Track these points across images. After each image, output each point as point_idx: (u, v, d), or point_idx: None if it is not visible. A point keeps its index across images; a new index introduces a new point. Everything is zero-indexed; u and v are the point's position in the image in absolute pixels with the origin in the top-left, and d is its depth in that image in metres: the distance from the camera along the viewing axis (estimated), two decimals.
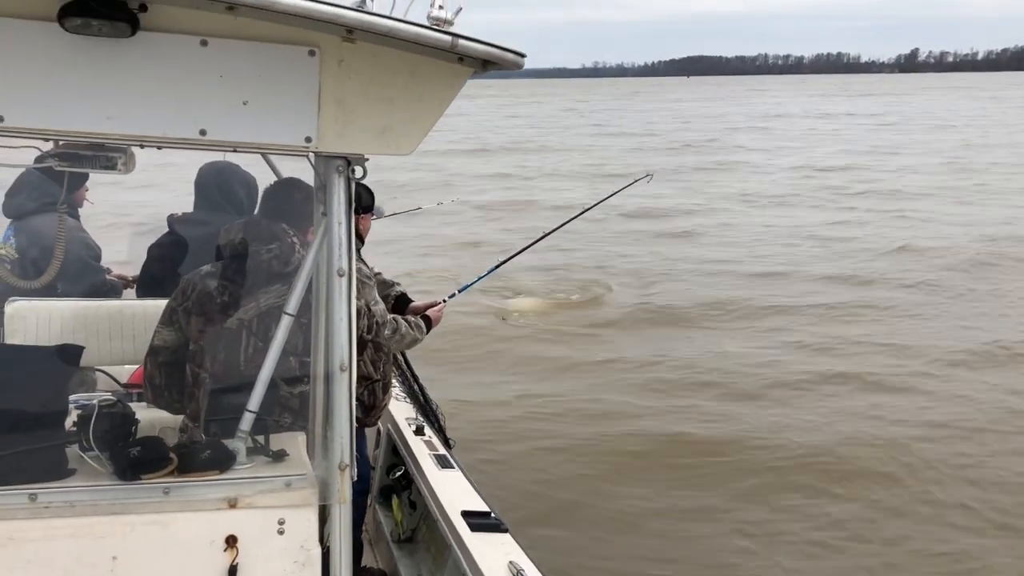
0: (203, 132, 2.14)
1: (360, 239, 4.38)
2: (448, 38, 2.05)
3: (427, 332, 4.53)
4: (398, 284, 5.03)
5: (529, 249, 6.20)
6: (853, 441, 7.62)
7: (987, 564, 5.84)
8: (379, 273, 5.00)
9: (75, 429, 2.36)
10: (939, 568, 5.82)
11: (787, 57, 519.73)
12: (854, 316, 11.59)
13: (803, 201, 22.07)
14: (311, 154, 2.30)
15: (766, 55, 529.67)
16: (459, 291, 5.60)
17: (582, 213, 6.70)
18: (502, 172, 28.71)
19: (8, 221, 4.94)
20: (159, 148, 2.22)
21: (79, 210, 5.15)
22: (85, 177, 5.03)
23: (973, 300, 12.43)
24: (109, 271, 5.19)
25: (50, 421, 2.30)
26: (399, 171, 22.19)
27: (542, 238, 6.26)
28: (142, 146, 2.22)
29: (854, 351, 10.13)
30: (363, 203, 4.32)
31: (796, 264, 14.77)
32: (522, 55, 2.13)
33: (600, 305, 12.35)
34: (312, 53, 2.15)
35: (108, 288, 4.98)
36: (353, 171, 2.33)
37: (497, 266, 5.93)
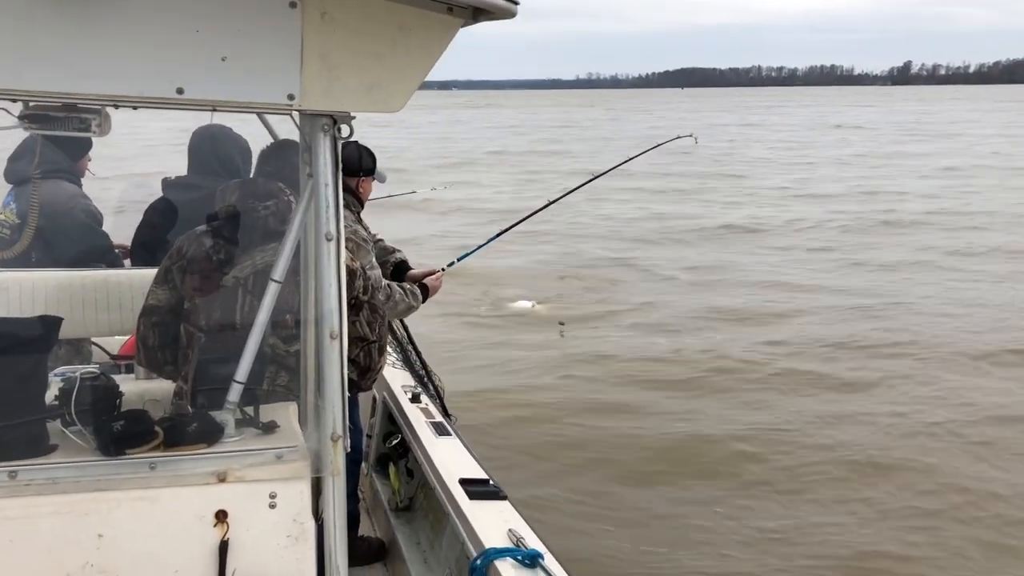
0: (180, 91, 2.04)
1: (360, 202, 4.29)
2: None
3: (424, 300, 4.46)
4: (399, 251, 4.94)
5: (531, 219, 6.09)
6: None
7: None
8: (380, 239, 4.92)
9: (56, 403, 2.28)
10: None
11: (780, 69, 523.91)
12: None
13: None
14: (295, 112, 2.19)
15: (759, 67, 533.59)
16: (458, 260, 5.51)
17: (600, 176, 6.56)
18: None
19: (9, 187, 4.86)
20: (135, 108, 2.11)
21: (81, 179, 5.06)
22: (88, 145, 4.96)
23: None
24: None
25: (29, 395, 2.21)
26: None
27: (545, 207, 6.13)
28: (116, 106, 2.11)
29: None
30: (364, 166, 4.23)
31: None
32: (516, 1, 2.02)
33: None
34: (293, 5, 2.04)
35: (112, 256, 4.91)
36: (339, 130, 2.22)
37: (497, 235, 5.83)
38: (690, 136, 7.29)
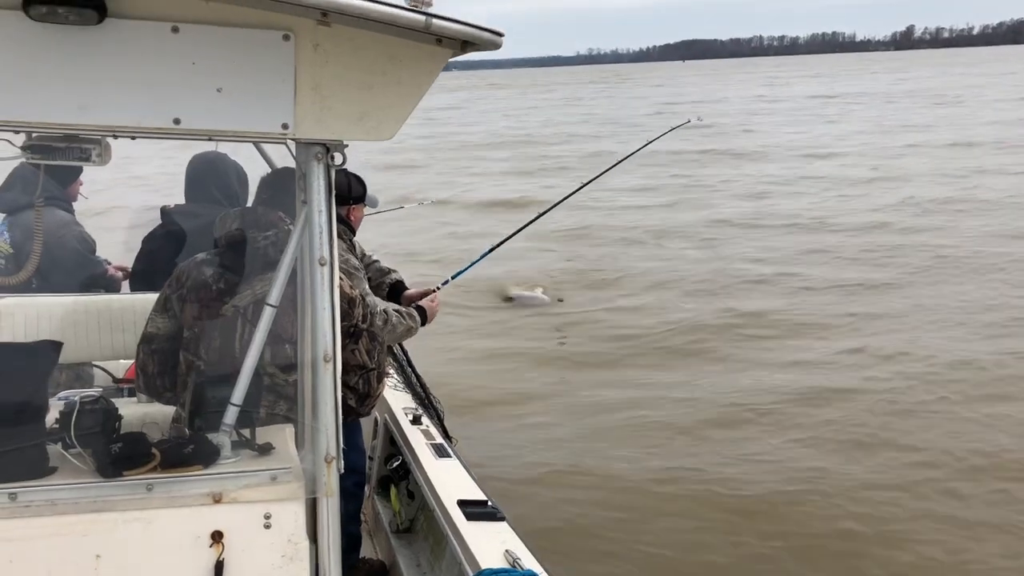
0: (177, 121, 2.10)
1: (351, 229, 4.34)
2: (422, 18, 2.00)
3: (422, 323, 4.49)
4: (395, 271, 4.99)
5: (529, 226, 6.09)
6: None
7: None
8: (376, 260, 4.96)
9: (56, 426, 2.32)
10: None
11: (782, 38, 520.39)
12: None
13: None
14: (289, 141, 2.25)
15: (761, 36, 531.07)
16: (452, 277, 5.53)
17: (607, 170, 6.60)
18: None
19: (2, 217, 4.92)
20: (133, 138, 2.18)
21: (73, 204, 5.13)
22: (79, 171, 5.02)
23: None
24: (108, 263, 5.16)
25: (30, 418, 2.25)
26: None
27: (544, 214, 6.13)
28: (116, 136, 2.17)
29: None
30: (354, 193, 4.28)
31: None
32: (500, 34, 2.08)
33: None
34: (287, 37, 2.10)
35: (107, 281, 4.96)
36: (332, 158, 2.28)
37: (490, 250, 5.85)
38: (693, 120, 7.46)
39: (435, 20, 2.01)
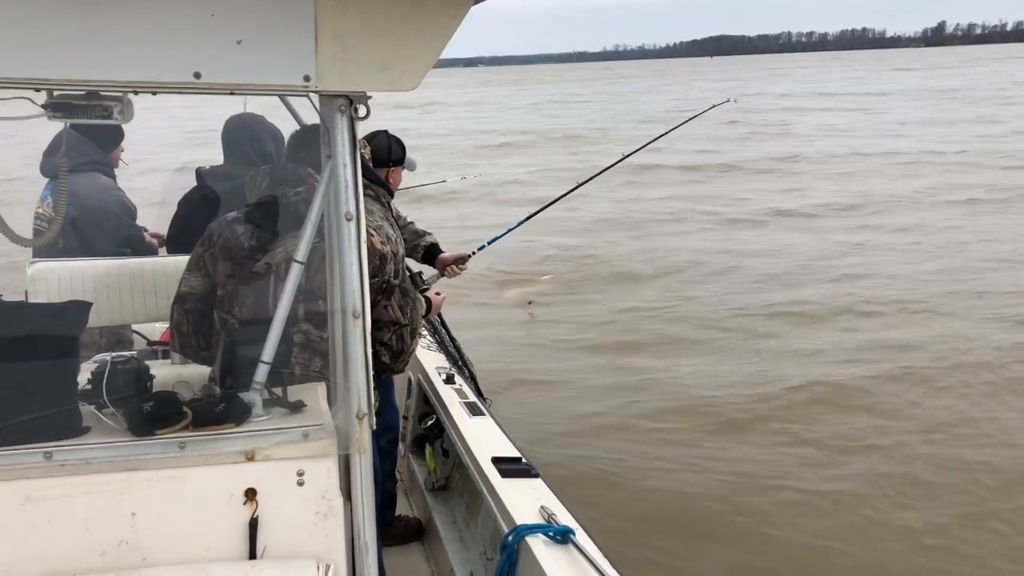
0: (197, 75, 2.06)
1: (390, 192, 4.30)
2: None
3: (426, 314, 4.44)
4: (430, 234, 4.96)
5: (567, 197, 6.07)
6: None
7: None
8: (411, 222, 4.94)
9: (89, 387, 2.33)
10: None
11: (811, 34, 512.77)
12: None
13: None
14: (311, 94, 2.20)
15: (789, 33, 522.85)
16: (488, 243, 5.51)
17: (636, 152, 6.53)
18: None
19: (46, 181, 4.95)
20: (154, 94, 2.14)
21: (114, 170, 5.14)
22: (121, 136, 5.03)
23: None
24: (146, 230, 5.18)
25: (62, 378, 2.26)
26: None
27: (576, 188, 6.11)
28: (136, 92, 2.14)
29: None
30: (394, 156, 4.23)
31: None
32: None
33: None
34: None
35: (143, 248, 4.98)
36: (356, 110, 2.23)
37: (527, 218, 5.81)
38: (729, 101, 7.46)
39: None
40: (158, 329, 4.61)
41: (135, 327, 4.54)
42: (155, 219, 5.34)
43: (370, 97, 2.25)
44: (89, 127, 4.74)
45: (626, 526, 5.63)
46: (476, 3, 2.14)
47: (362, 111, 2.24)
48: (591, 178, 6.17)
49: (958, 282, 11.34)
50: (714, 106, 7.32)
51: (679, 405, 7.57)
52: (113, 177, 5.08)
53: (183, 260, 3.66)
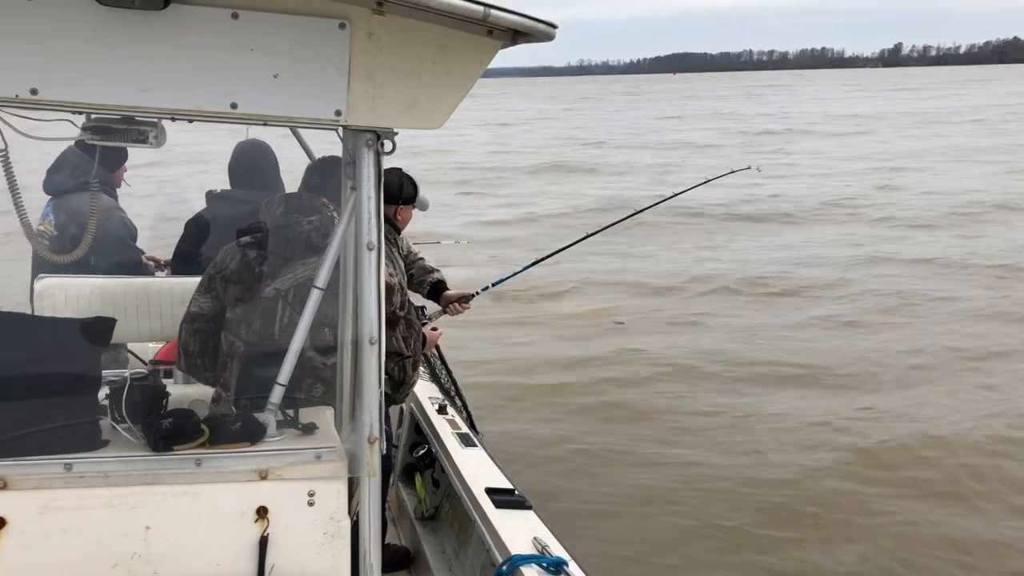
0: (234, 105, 2.15)
1: (396, 229, 4.37)
2: (480, 8, 2.04)
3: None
4: (437, 271, 5.04)
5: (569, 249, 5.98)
6: None
7: None
8: (421, 258, 5.02)
9: (107, 402, 2.39)
10: None
11: (771, 53, 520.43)
12: None
13: None
14: (340, 128, 2.30)
15: (751, 51, 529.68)
16: (492, 284, 5.55)
17: (644, 210, 6.58)
18: None
19: (48, 198, 5.00)
20: (191, 121, 2.23)
21: (116, 190, 5.20)
22: (124, 157, 5.10)
23: None
24: (142, 252, 5.23)
25: (84, 393, 2.32)
26: None
27: (584, 239, 6.05)
28: (173, 119, 2.22)
29: None
30: (405, 194, 4.31)
31: None
32: (554, 26, 2.12)
33: None
34: (343, 26, 2.15)
35: (142, 270, 5.03)
36: (382, 145, 2.33)
37: (532, 264, 5.81)
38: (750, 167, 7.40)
39: (493, 10, 2.05)
40: (151, 349, 4.64)
41: (129, 346, 4.57)
42: (147, 240, 5.41)
43: (396, 133, 2.35)
44: (94, 147, 4.81)
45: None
46: (504, 48, 2.25)
47: (388, 146, 2.34)
48: (599, 230, 6.12)
49: None
50: (733, 171, 7.20)
51: None
52: (115, 197, 5.15)
53: (187, 281, 3.73)
